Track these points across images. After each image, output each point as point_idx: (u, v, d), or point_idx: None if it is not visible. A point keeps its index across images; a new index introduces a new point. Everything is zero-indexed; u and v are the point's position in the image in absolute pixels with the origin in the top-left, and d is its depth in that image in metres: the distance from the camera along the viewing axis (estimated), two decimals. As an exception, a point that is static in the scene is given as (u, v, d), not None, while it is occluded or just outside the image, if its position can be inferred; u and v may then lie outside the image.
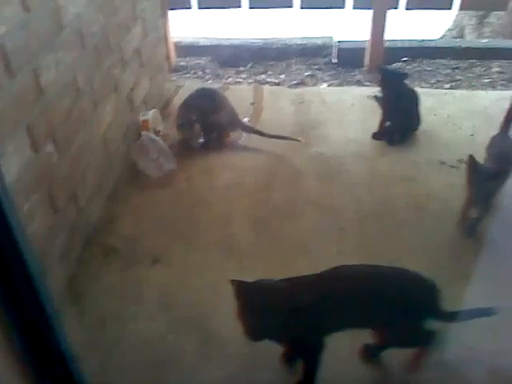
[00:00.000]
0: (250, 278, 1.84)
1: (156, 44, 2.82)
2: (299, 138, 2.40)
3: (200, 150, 2.54)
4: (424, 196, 2.19)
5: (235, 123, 2.54)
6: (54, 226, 1.80)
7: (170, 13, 3.38)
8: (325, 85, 3.37)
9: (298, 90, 3.11)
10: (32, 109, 1.61)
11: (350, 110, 2.83)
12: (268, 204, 2.20)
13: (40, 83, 1.64)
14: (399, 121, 2.50)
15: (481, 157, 2.33)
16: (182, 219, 2.16)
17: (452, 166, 2.35)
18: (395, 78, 2.53)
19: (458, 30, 4.64)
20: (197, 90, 2.56)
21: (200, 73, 3.56)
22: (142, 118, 2.51)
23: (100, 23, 2.07)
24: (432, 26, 4.69)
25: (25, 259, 1.43)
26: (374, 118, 2.64)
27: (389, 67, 2.90)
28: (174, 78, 3.40)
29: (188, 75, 3.52)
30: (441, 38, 4.73)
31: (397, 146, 2.50)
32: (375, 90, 2.89)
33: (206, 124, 2.50)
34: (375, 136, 2.56)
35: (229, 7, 3.46)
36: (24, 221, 1.60)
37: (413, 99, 2.51)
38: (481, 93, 3.04)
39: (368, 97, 2.90)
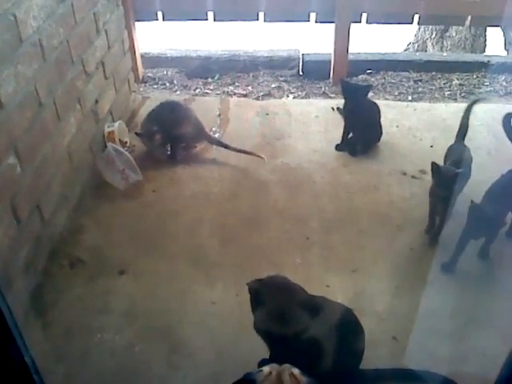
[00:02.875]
0: (217, 288, 1.88)
1: (121, 56, 2.83)
2: (262, 155, 2.44)
3: (167, 161, 2.55)
4: (386, 205, 2.26)
5: (201, 135, 2.56)
6: (18, 238, 1.78)
7: (137, 24, 3.39)
8: (291, 96, 3.42)
9: (263, 102, 3.16)
10: (-9, 121, 1.62)
11: (315, 121, 2.89)
12: (235, 214, 2.23)
13: (-1, 96, 1.64)
14: (361, 132, 2.58)
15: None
16: (149, 230, 2.17)
17: (413, 177, 2.42)
18: (356, 90, 2.60)
19: (420, 43, 4.79)
20: (161, 103, 2.58)
21: (168, 84, 3.57)
22: (107, 130, 2.51)
23: (61, 36, 2.07)
24: (395, 40, 4.84)
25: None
26: (337, 129, 2.70)
27: (349, 80, 2.97)
28: (141, 89, 3.41)
29: (156, 86, 3.53)
30: (404, 51, 4.88)
31: (359, 157, 2.57)
32: (339, 102, 2.96)
33: (171, 136, 2.52)
34: (338, 147, 2.63)
35: (195, 19, 3.48)
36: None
37: (374, 111, 2.58)
38: (441, 105, 3.15)
39: (332, 109, 2.96)
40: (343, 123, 2.68)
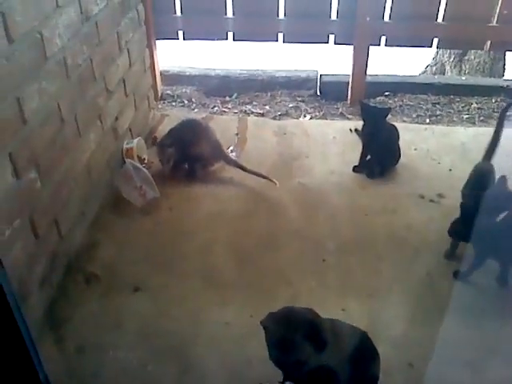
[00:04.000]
0: (230, 309, 1.87)
1: (141, 74, 2.87)
2: (274, 180, 2.44)
3: (184, 179, 2.56)
4: (404, 229, 2.23)
5: (218, 155, 2.57)
6: (35, 253, 1.79)
7: (158, 43, 3.44)
8: (308, 116, 3.44)
9: (281, 122, 3.17)
10: (15, 136, 1.63)
11: (332, 142, 2.89)
12: (250, 234, 2.22)
13: (23, 112, 1.66)
14: (379, 155, 2.56)
15: (457, 191, 2.40)
16: (164, 247, 2.17)
17: (431, 200, 2.40)
18: (375, 112, 2.59)
19: (439, 66, 4.78)
20: (182, 121, 2.60)
21: (186, 102, 3.60)
22: (126, 146, 2.54)
23: (85, 54, 2.11)
24: (413, 62, 4.84)
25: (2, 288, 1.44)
26: (355, 151, 2.69)
27: (368, 102, 2.97)
28: (160, 107, 3.44)
29: (174, 104, 3.57)
30: (421, 73, 4.87)
31: (377, 180, 2.56)
32: (357, 124, 2.96)
33: (190, 154, 2.53)
34: (356, 169, 2.62)
35: (214, 39, 3.53)
36: (4, 247, 1.60)
37: (392, 134, 2.57)
38: (459, 128, 3.13)
39: (350, 130, 2.96)
40: (361, 145, 2.67)
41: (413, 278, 1.99)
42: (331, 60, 4.22)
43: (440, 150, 2.81)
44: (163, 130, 2.87)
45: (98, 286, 1.99)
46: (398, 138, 2.58)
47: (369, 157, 2.62)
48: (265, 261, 2.09)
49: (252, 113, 3.50)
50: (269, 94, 3.73)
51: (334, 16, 3.36)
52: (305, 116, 3.46)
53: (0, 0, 1.51)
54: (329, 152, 2.79)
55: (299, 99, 3.67)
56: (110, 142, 2.42)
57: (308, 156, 2.75)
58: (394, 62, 4.45)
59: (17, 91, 1.63)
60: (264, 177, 2.45)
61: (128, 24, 2.60)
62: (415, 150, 2.79)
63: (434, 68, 4.80)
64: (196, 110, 3.52)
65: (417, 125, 3.22)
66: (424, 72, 4.87)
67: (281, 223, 2.29)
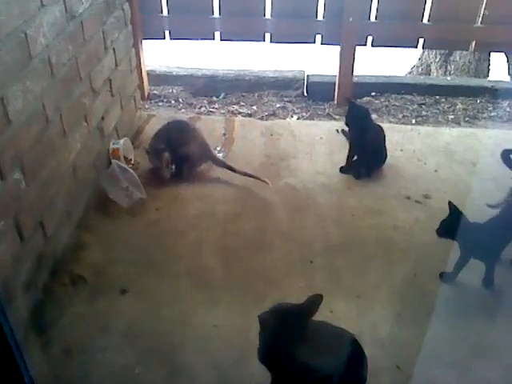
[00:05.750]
0: (219, 310, 1.86)
1: (128, 74, 2.85)
2: (266, 180, 2.44)
3: (171, 179, 2.54)
4: (391, 230, 2.25)
5: (206, 156, 2.56)
6: (20, 254, 1.77)
7: (144, 42, 3.42)
8: (295, 117, 3.44)
9: (268, 123, 3.17)
10: (-1, 136, 1.61)
11: (319, 143, 2.89)
12: (238, 235, 2.22)
13: (7, 112, 1.64)
14: (365, 155, 2.57)
15: (443, 192, 2.42)
16: (151, 248, 2.15)
17: (417, 201, 2.42)
18: (361, 112, 2.60)
19: (424, 66, 4.82)
20: (169, 122, 2.59)
21: (173, 102, 3.59)
22: (112, 147, 2.52)
23: (69, 54, 2.08)
24: (399, 63, 4.87)
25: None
26: (342, 151, 2.71)
27: (356, 101, 2.99)
28: (147, 106, 3.42)
29: (161, 104, 3.55)
30: (408, 74, 4.91)
31: (364, 180, 2.57)
32: (344, 124, 2.97)
33: (177, 155, 2.52)
34: (343, 170, 2.63)
35: (201, 39, 3.51)
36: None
37: (378, 134, 2.58)
38: (445, 129, 3.15)
39: (336, 131, 2.97)
40: (348, 146, 2.68)
41: (400, 279, 2.00)
42: (318, 60, 4.23)
43: (426, 150, 2.83)
44: (150, 130, 2.86)
45: (84, 288, 1.97)
46: (385, 138, 2.59)
47: (355, 157, 2.63)
48: (253, 262, 2.09)
49: (239, 113, 3.50)
50: (256, 94, 3.72)
51: (320, 16, 3.36)
52: (292, 116, 3.46)
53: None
54: (316, 153, 2.79)
55: (286, 99, 3.67)
56: (96, 142, 2.40)
57: (295, 157, 2.75)
58: (380, 62, 4.47)
59: (1, 91, 1.61)
60: (254, 177, 2.45)
61: (113, 23, 2.58)
62: (401, 150, 2.81)
63: (420, 68, 4.84)
64: (183, 110, 3.50)
65: (403, 125, 3.24)
66: (410, 72, 4.90)
67: (269, 224, 2.29)
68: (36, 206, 1.87)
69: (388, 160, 2.65)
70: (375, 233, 2.23)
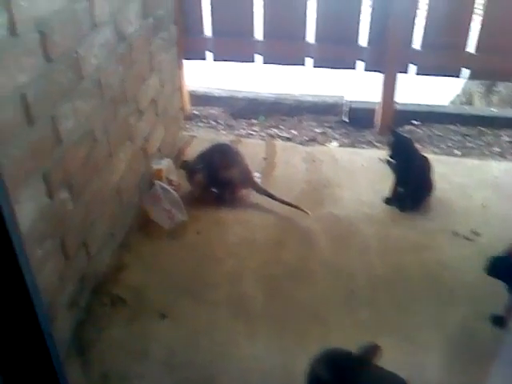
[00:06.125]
0: (259, 342, 1.81)
1: (172, 94, 2.86)
2: (307, 211, 2.38)
3: (212, 202, 2.52)
4: (437, 266, 2.17)
5: (248, 182, 2.53)
6: (65, 274, 1.76)
7: (186, 63, 3.44)
8: (335, 143, 3.40)
9: (309, 148, 3.13)
10: (49, 156, 1.62)
11: (362, 171, 2.84)
12: (279, 263, 2.17)
13: (58, 131, 1.65)
14: (411, 187, 2.50)
15: (492, 228, 2.34)
16: (191, 273, 2.12)
17: (465, 238, 2.33)
18: (407, 142, 2.55)
19: (467, 96, 4.73)
20: (213, 145, 2.57)
21: (213, 123, 3.59)
22: (155, 167, 2.51)
23: (118, 74, 2.10)
24: (441, 92, 4.79)
25: (36, 311, 1.40)
26: (385, 181, 2.64)
27: (400, 131, 2.93)
28: (187, 126, 3.42)
29: (201, 124, 3.55)
30: (449, 103, 4.82)
31: (409, 213, 2.49)
32: (386, 153, 2.91)
33: (219, 178, 2.50)
34: (387, 201, 2.56)
35: (242, 61, 3.52)
36: (35, 268, 1.57)
37: (425, 166, 2.52)
38: (492, 163, 3.07)
39: (379, 159, 2.91)
40: (392, 175, 2.62)
41: (448, 321, 1.92)
42: (358, 85, 4.19)
43: (472, 184, 2.75)
44: (191, 151, 2.85)
45: (124, 310, 1.95)
46: (431, 170, 2.52)
47: (400, 189, 2.56)
48: (294, 293, 2.03)
49: (278, 137, 3.48)
50: (295, 118, 3.70)
51: (363, 42, 3.34)
52: (331, 142, 3.43)
53: (38, 19, 1.49)
54: (359, 181, 2.74)
55: (326, 125, 3.64)
56: (140, 162, 2.40)
57: (337, 184, 2.70)
58: (421, 90, 4.41)
59: (53, 110, 1.62)
60: (295, 206, 2.40)
61: (160, 44, 2.59)
62: (448, 183, 2.73)
63: (463, 98, 4.75)
64: (223, 132, 3.50)
65: (448, 157, 3.16)
66: (452, 102, 4.81)
67: (311, 254, 2.23)
68: (81, 226, 1.86)
69: (434, 193, 2.57)
70: (421, 268, 2.16)
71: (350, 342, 1.67)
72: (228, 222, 2.41)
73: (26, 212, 1.50)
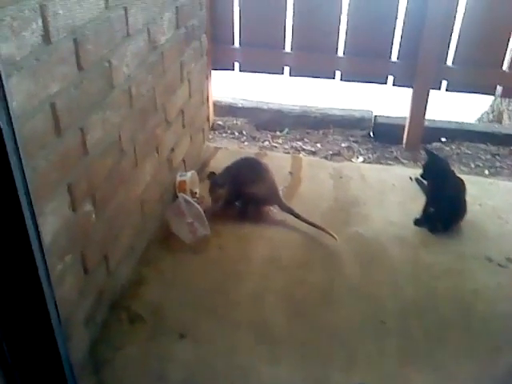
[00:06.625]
0: (282, 368, 1.73)
1: (199, 105, 2.80)
2: (334, 235, 2.28)
3: (235, 217, 2.45)
4: (471, 294, 2.07)
5: (274, 199, 2.45)
6: (84, 289, 1.70)
7: (213, 73, 3.39)
8: (361, 158, 3.32)
9: (337, 164, 3.05)
10: (75, 167, 1.56)
11: (391, 190, 2.74)
12: (304, 285, 2.09)
13: (86, 142, 1.60)
14: (443, 209, 2.40)
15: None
16: (212, 291, 2.05)
17: (499, 265, 2.22)
18: (442, 163, 2.46)
19: (496, 114, 4.61)
20: (241, 158, 2.50)
21: (237, 134, 3.53)
22: (179, 179, 2.45)
23: (149, 84, 2.05)
24: (468, 108, 4.68)
25: (54, 331, 1.34)
26: (415, 201, 2.56)
27: (434, 150, 2.83)
28: (210, 137, 3.37)
29: (225, 135, 3.50)
30: (477, 120, 4.71)
31: (440, 235, 2.39)
32: (416, 171, 2.83)
33: (244, 193, 2.43)
34: (417, 222, 2.46)
35: (270, 73, 3.47)
36: (55, 283, 1.51)
37: (459, 188, 2.42)
38: (526, 185, 2.96)
39: (410, 178, 2.82)
40: (422, 195, 2.54)
41: (482, 354, 1.82)
42: (385, 100, 4.11)
43: (506, 207, 2.64)
44: (216, 163, 2.79)
45: (142, 328, 1.88)
46: (465, 192, 2.43)
47: (432, 210, 2.46)
48: (319, 317, 1.95)
49: (303, 150, 3.41)
50: (321, 131, 3.63)
51: (394, 57, 3.26)
52: (358, 157, 3.35)
53: (73, 27, 1.45)
54: (388, 200, 2.64)
55: (352, 139, 3.56)
56: (164, 174, 2.34)
57: (365, 203, 2.61)
58: (447, 105, 4.31)
59: (82, 121, 1.57)
60: (321, 228, 2.31)
61: (191, 54, 2.54)
62: (480, 205, 2.63)
63: (491, 115, 4.63)
64: (246, 143, 3.44)
65: (478, 177, 3.06)
66: (480, 119, 4.70)
67: (337, 276, 2.15)
68: (103, 240, 1.80)
69: (466, 215, 2.47)
70: (453, 296, 2.06)
71: (376, 370, 1.60)
72: (251, 239, 2.33)
73: (49, 225, 1.44)
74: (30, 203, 1.26)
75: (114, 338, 1.83)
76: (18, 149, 1.18)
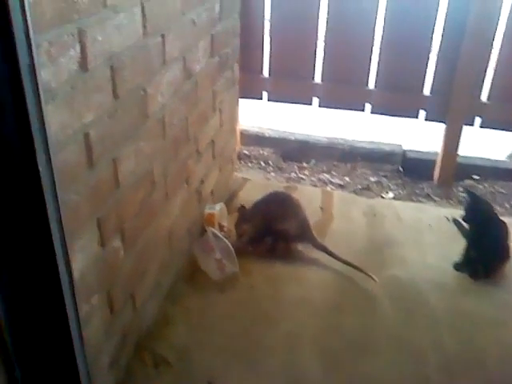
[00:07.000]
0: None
1: (229, 135, 2.73)
2: (374, 277, 2.15)
3: (265, 254, 2.34)
4: (518, 349, 1.92)
5: (305, 236, 2.34)
6: (109, 330, 1.59)
7: (240, 101, 3.32)
8: (391, 194, 3.21)
9: (370, 201, 2.93)
10: (106, 201, 1.48)
11: (428, 230, 2.61)
12: (339, 332, 1.96)
13: (118, 174, 1.51)
14: (486, 253, 2.27)
15: None
16: (242, 334, 1.93)
17: (548, 316, 2.09)
18: (484, 205, 2.34)
19: (527, 152, 4.48)
20: (271, 193, 2.40)
21: (263, 164, 3.45)
22: (207, 212, 2.35)
23: (182, 114, 1.97)
24: (497, 144, 4.56)
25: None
26: (454, 243, 2.42)
27: (475, 191, 2.71)
28: (236, 167, 3.28)
29: (250, 165, 3.42)
30: (508, 157, 4.58)
31: (482, 281, 2.26)
32: (453, 212, 2.71)
33: (274, 230, 2.32)
34: (457, 266, 2.33)
35: (299, 103, 3.40)
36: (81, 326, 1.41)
37: (502, 231, 2.29)
38: None
39: (447, 219, 2.69)
40: (462, 237, 2.41)
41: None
42: (416, 133, 4.01)
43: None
44: (244, 195, 2.69)
45: (167, 373, 1.76)
46: (508, 235, 2.30)
47: (473, 253, 2.33)
48: (356, 367, 1.81)
49: (330, 183, 3.31)
50: (348, 164, 3.54)
51: (426, 91, 3.18)
52: (387, 193, 3.24)
53: (110, 54, 1.38)
54: (424, 242, 2.51)
55: (381, 174, 3.46)
56: (194, 206, 2.25)
57: (401, 244, 2.48)
58: (474, 142, 4.19)
59: (115, 152, 1.48)
60: (358, 269, 2.18)
61: (223, 83, 2.47)
62: (522, 250, 2.49)
63: (522, 153, 4.49)
64: (272, 174, 3.36)
65: (514, 218, 2.92)
66: (510, 156, 4.56)
67: (374, 323, 2.01)
68: (129, 277, 1.70)
69: (509, 261, 2.33)
70: (499, 350, 1.91)
71: None
72: (282, 278, 2.21)
73: (77, 263, 1.34)
74: (63, 242, 1.17)
75: (139, 383, 1.71)
76: (54, 184, 1.10)
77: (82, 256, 1.37)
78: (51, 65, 1.14)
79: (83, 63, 1.26)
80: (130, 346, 1.78)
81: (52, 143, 1.12)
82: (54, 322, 1.22)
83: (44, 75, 1.10)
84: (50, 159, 1.06)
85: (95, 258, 1.45)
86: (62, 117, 1.21)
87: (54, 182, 1.09)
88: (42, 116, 1.03)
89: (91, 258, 1.42)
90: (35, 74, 0.99)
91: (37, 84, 1.00)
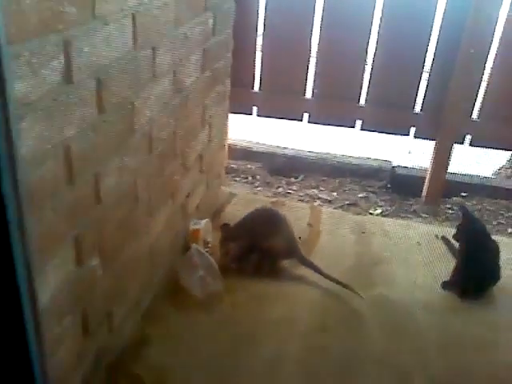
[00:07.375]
0: None
1: (218, 150, 2.68)
2: (360, 294, 2.11)
3: (250, 272, 2.28)
4: (507, 370, 1.88)
5: (292, 252, 2.29)
6: (81, 352, 1.53)
7: (230, 116, 3.29)
8: (379, 210, 3.18)
9: (358, 218, 2.89)
10: (85, 218, 1.42)
11: (416, 249, 2.57)
12: (324, 353, 1.90)
13: (99, 190, 1.46)
14: (475, 273, 2.23)
15: None
16: (224, 355, 1.86)
17: (538, 337, 2.05)
18: (478, 227, 2.32)
19: (514, 169, 4.48)
20: (257, 209, 2.36)
21: (250, 178, 3.41)
22: (192, 227, 2.29)
23: (170, 128, 1.92)
24: (483, 161, 4.55)
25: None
26: (442, 262, 2.40)
27: (470, 211, 2.68)
28: (223, 181, 3.24)
29: (238, 179, 3.37)
30: (494, 174, 4.57)
31: (470, 301, 2.22)
32: (442, 229, 2.68)
33: (260, 247, 2.27)
34: (445, 285, 2.29)
35: (288, 119, 3.37)
36: (49, 351, 1.34)
37: (493, 252, 2.26)
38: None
39: (436, 237, 2.66)
40: (451, 256, 2.38)
41: None
42: (401, 152, 3.99)
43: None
44: (230, 210, 2.64)
45: (144, 396, 1.69)
46: (499, 256, 2.26)
47: (462, 273, 2.29)
48: (341, 391, 1.76)
49: (318, 198, 3.28)
50: (337, 180, 3.51)
51: (417, 108, 3.18)
52: (375, 209, 3.21)
53: (97, 66, 1.33)
54: (413, 260, 2.47)
55: (370, 189, 3.43)
56: (178, 222, 2.19)
57: (389, 262, 2.44)
58: (461, 159, 4.19)
59: (97, 167, 1.44)
60: (345, 286, 2.14)
61: (214, 98, 2.43)
62: (511, 269, 2.45)
63: (510, 171, 4.50)
64: (260, 189, 3.31)
65: (502, 237, 2.89)
66: (497, 174, 4.56)
67: (360, 343, 1.96)
68: (107, 295, 1.64)
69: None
70: (488, 372, 1.87)
71: None
72: (267, 297, 2.16)
73: (48, 284, 1.28)
74: (26, 264, 1.10)
75: (113, 406, 1.64)
76: (19, 203, 1.04)
77: (54, 276, 1.31)
78: (32, 76, 1.09)
79: (67, 75, 1.21)
80: (104, 366, 1.70)
81: (28, 158, 1.07)
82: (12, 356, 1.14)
83: (22, 87, 1.06)
84: (16, 180, 1.00)
85: (69, 277, 1.39)
86: (41, 130, 1.16)
87: (19, 201, 1.02)
88: (10, 133, 0.97)
89: (65, 278, 1.36)
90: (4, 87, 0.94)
91: (5, 98, 0.94)
